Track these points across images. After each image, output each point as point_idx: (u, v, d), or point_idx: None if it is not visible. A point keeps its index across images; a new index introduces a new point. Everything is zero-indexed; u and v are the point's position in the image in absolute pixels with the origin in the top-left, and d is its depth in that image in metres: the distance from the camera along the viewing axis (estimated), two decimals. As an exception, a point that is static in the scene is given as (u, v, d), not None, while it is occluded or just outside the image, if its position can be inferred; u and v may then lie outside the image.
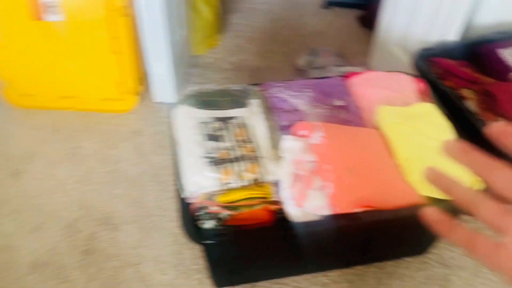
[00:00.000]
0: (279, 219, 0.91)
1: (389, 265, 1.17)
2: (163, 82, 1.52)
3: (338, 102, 1.12)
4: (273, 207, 0.91)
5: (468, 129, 1.10)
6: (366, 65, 1.76)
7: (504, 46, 1.36)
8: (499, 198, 0.27)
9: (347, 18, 2.10)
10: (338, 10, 2.14)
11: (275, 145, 0.99)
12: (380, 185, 0.93)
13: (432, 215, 0.31)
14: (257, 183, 0.93)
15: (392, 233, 1.05)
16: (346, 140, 0.98)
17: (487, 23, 1.45)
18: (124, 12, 1.36)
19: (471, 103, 1.15)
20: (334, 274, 1.14)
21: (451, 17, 1.35)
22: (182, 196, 0.91)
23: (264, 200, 0.91)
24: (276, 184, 0.94)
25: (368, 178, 0.93)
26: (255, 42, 1.91)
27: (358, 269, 1.16)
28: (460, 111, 1.13)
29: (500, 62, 1.32)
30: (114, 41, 1.40)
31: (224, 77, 1.72)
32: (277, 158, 0.96)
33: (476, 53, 1.39)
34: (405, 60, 1.50)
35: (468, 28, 1.48)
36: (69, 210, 1.27)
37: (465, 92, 1.17)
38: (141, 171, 1.37)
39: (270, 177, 0.93)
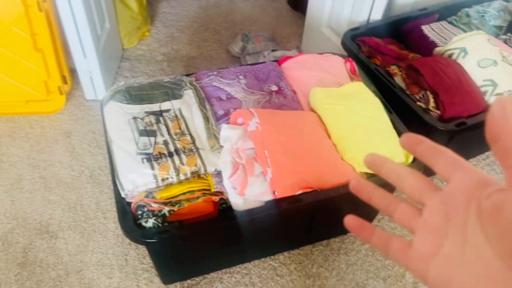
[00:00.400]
0: (223, 209, 0.91)
1: (335, 242, 1.21)
2: (91, 79, 1.45)
3: (273, 87, 1.12)
4: (216, 198, 0.90)
5: (397, 103, 1.15)
6: (299, 48, 1.78)
7: (426, 22, 1.43)
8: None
9: (278, 2, 2.10)
10: (269, -6, 2.14)
11: (212, 135, 0.97)
12: (318, 165, 0.95)
13: (351, 223, 0.32)
14: (197, 176, 0.92)
15: (334, 211, 1.07)
16: (282, 124, 0.98)
17: (408, 1, 1.52)
18: (41, 7, 1.27)
19: (399, 79, 1.20)
20: (282, 257, 1.16)
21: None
22: (121, 196, 0.88)
23: (206, 192, 0.90)
24: (216, 174, 0.93)
25: (306, 160, 0.94)
26: (187, 31, 1.87)
27: (305, 249, 1.19)
28: (388, 87, 1.18)
29: (423, 38, 1.39)
30: (35, 38, 1.31)
31: (157, 68, 1.67)
32: (216, 148, 0.95)
33: (401, 30, 1.44)
34: (336, 41, 1.53)
35: (391, 7, 1.53)
36: (1, 222, 1.18)
37: (393, 69, 1.22)
38: (76, 173, 1.31)
39: (210, 168, 0.92)
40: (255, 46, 1.70)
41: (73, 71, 1.51)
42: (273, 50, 1.71)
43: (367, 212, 1.20)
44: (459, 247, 0.24)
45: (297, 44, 1.81)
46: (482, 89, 1.19)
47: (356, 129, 1.02)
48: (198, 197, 0.89)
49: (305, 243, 1.19)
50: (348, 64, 1.20)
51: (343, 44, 1.32)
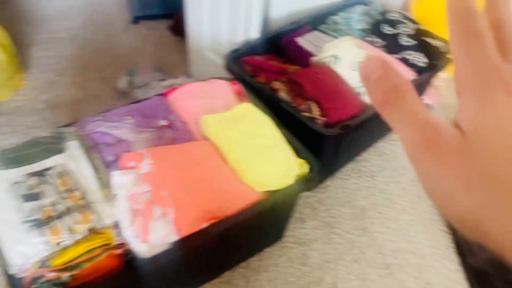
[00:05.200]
0: (129, 260, 0.87)
1: (253, 262, 1.22)
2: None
3: (163, 122, 1.10)
4: (119, 251, 0.85)
5: (286, 117, 1.19)
6: (188, 74, 1.78)
7: (300, 34, 1.52)
8: None
9: (159, 29, 2.08)
10: (148, 23, 2.11)
11: (104, 185, 0.93)
12: (219, 194, 0.95)
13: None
14: (94, 232, 0.86)
15: (245, 233, 1.08)
16: (177, 159, 0.97)
17: (281, 16, 1.59)
18: None
19: (283, 93, 1.25)
20: (204, 289, 1.14)
21: (249, 15, 1.44)
22: (10, 273, 0.80)
23: (107, 247, 0.85)
24: (116, 225, 0.88)
25: (207, 191, 0.94)
26: (67, 73, 1.77)
27: (226, 276, 1.18)
28: (275, 102, 1.22)
29: (300, 49, 1.46)
30: None
31: (40, 118, 1.56)
32: (110, 198, 0.91)
33: (279, 45, 1.51)
34: (221, 64, 1.56)
35: (267, 23, 1.60)
36: None
37: (276, 84, 1.27)
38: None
39: (107, 221, 0.87)
40: (142, 79, 1.67)
41: None
42: (161, 80, 1.69)
43: (280, 223, 1.23)
44: None
45: (186, 70, 1.81)
46: (357, 91, 1.28)
47: (252, 150, 1.04)
48: (99, 255, 0.84)
49: (225, 270, 1.19)
50: (234, 86, 1.23)
51: (227, 67, 1.34)
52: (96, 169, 0.96)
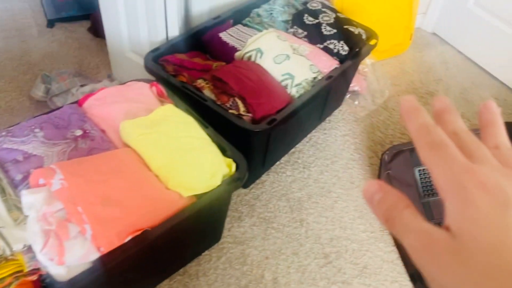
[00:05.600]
0: (45, 286, 0.80)
1: (191, 267, 1.18)
2: None
3: (78, 132, 1.03)
4: (33, 277, 0.79)
5: (211, 115, 1.16)
6: (111, 77, 1.69)
7: (223, 29, 1.48)
8: None
9: (79, 32, 1.97)
10: (67, 25, 1.99)
11: (13, 206, 0.85)
12: (142, 204, 0.90)
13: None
14: (3, 259, 0.79)
15: (177, 240, 1.04)
16: (94, 171, 0.91)
17: (203, 11, 1.55)
18: None
19: (207, 91, 1.22)
20: (140, 303, 1.09)
21: (168, 13, 1.38)
22: None
23: (19, 274, 0.78)
24: (28, 250, 0.81)
25: (128, 203, 0.89)
26: (-25, 85, 1.62)
27: (163, 286, 1.13)
28: (199, 101, 1.18)
29: (224, 45, 1.43)
30: None
31: None
32: (20, 220, 0.83)
33: (203, 41, 1.47)
34: (143, 65, 1.49)
35: (189, 20, 1.55)
36: None
37: (199, 83, 1.23)
38: None
39: (17, 246, 0.80)
40: (60, 86, 1.56)
41: None
42: (82, 86, 1.59)
43: (215, 225, 1.19)
44: None
45: (108, 73, 1.72)
46: (283, 83, 1.28)
47: (175, 154, 0.99)
48: (10, 284, 0.77)
49: (162, 279, 1.14)
50: (154, 88, 1.17)
51: (146, 67, 1.28)
52: (3, 190, 0.88)
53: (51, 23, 1.97)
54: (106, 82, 1.62)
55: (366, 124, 1.67)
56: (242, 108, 1.18)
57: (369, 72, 1.80)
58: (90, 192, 0.86)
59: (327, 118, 1.67)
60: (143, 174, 0.96)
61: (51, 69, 1.71)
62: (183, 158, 0.99)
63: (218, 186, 0.98)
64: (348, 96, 1.73)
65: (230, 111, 1.17)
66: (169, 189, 0.96)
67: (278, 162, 1.49)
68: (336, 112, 1.71)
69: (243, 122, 1.15)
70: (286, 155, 1.52)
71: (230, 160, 1.04)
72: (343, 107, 1.73)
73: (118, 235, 0.84)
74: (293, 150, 1.54)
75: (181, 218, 0.92)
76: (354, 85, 1.73)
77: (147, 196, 0.92)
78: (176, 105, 1.14)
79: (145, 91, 1.16)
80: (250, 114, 1.18)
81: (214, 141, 1.06)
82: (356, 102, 1.73)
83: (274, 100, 1.21)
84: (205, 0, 1.52)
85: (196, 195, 0.97)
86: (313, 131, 1.62)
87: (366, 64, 1.80)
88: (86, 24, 1.98)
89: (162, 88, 1.17)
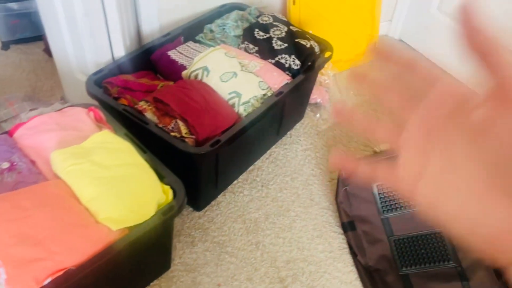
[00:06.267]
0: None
1: (138, 299, 1.13)
2: None
3: (4, 165, 0.98)
4: None
5: (153, 139, 1.11)
6: (64, 99, 1.64)
7: (173, 47, 1.44)
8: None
9: (35, 53, 1.91)
10: (22, 47, 1.93)
11: None
12: (67, 241, 0.85)
13: (336, 162, 0.31)
14: None
15: (114, 274, 0.99)
16: (13, 209, 0.85)
17: (154, 29, 1.51)
18: None
19: (150, 114, 1.17)
20: None
21: (111, 32, 1.34)
22: None
23: None
24: None
25: (51, 241, 0.83)
26: None
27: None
28: (140, 125, 1.13)
29: (172, 63, 1.39)
30: None
31: None
32: None
33: (152, 60, 1.42)
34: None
35: (140, 38, 1.51)
36: None
37: (141, 105, 1.18)
38: None
39: None
40: (9, 111, 1.50)
41: None
42: (32, 109, 1.54)
43: (160, 255, 1.13)
44: (444, 166, 0.24)
45: (61, 95, 1.67)
46: (230, 102, 1.23)
47: (106, 185, 0.94)
48: None
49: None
50: (92, 113, 1.12)
51: (87, 91, 1.23)
52: None
53: (6, 46, 1.91)
54: (57, 105, 1.56)
55: (328, 137, 1.63)
56: (184, 130, 1.13)
57: (331, 83, 1.76)
58: (5, 232, 0.80)
59: (288, 133, 1.62)
60: (71, 208, 0.91)
61: (3, 93, 1.65)
62: (115, 189, 0.94)
63: (152, 216, 0.93)
64: (309, 109, 1.69)
65: (172, 133, 1.12)
66: (99, 223, 0.90)
67: (235, 181, 1.44)
68: (298, 125, 1.66)
69: (185, 145, 1.10)
70: (244, 173, 1.47)
71: (167, 187, 0.99)
72: (305, 120, 1.68)
73: (36, 278, 0.78)
74: (252, 167, 1.49)
75: (110, 254, 0.87)
76: (315, 97, 1.69)
77: (73, 232, 0.87)
78: (115, 130, 1.09)
79: (82, 117, 1.11)
80: (193, 136, 1.13)
81: (151, 166, 1.01)
82: (318, 115, 1.69)
83: (218, 121, 1.16)
84: (154, 18, 1.48)
85: (128, 227, 0.92)
86: (273, 146, 1.57)
87: (328, 75, 1.76)
88: (42, 45, 1.93)
89: (100, 113, 1.12)
